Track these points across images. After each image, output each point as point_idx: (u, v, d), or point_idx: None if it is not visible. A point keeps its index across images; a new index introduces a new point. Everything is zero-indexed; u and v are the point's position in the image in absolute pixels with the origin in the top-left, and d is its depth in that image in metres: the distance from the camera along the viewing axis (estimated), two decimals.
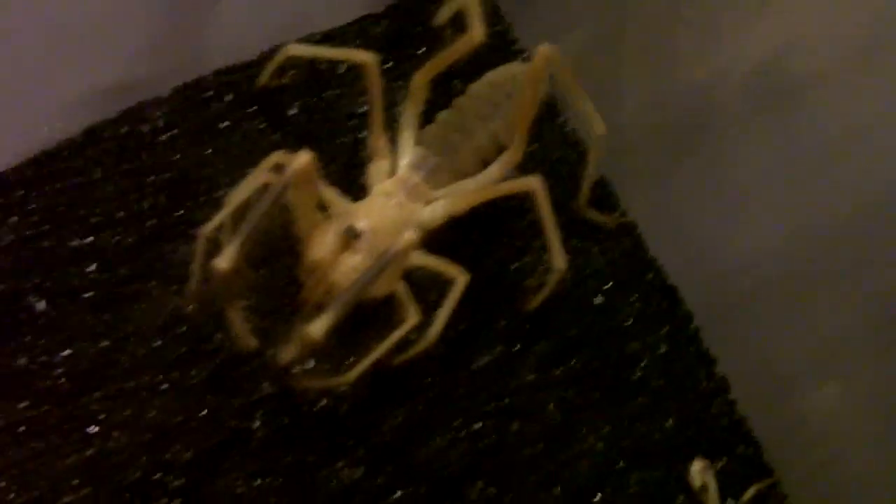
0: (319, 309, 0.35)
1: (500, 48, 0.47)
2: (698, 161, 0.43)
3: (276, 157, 0.39)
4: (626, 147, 0.45)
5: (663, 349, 0.43)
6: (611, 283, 0.45)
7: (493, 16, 0.48)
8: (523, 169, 0.42)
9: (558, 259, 0.41)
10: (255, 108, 0.45)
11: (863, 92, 0.36)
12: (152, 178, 0.43)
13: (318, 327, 0.34)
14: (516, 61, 0.44)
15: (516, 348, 0.43)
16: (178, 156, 0.44)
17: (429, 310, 0.39)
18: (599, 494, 0.40)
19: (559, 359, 0.43)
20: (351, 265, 0.38)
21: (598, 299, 0.44)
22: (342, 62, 0.44)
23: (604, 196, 0.47)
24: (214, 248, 0.37)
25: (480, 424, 0.41)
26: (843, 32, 0.37)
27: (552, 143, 0.47)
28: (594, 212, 0.46)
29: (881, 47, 0.35)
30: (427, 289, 0.40)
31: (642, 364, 0.43)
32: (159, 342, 0.40)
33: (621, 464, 0.41)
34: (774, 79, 0.39)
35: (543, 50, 0.39)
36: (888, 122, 0.36)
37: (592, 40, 0.46)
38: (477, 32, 0.38)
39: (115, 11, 0.42)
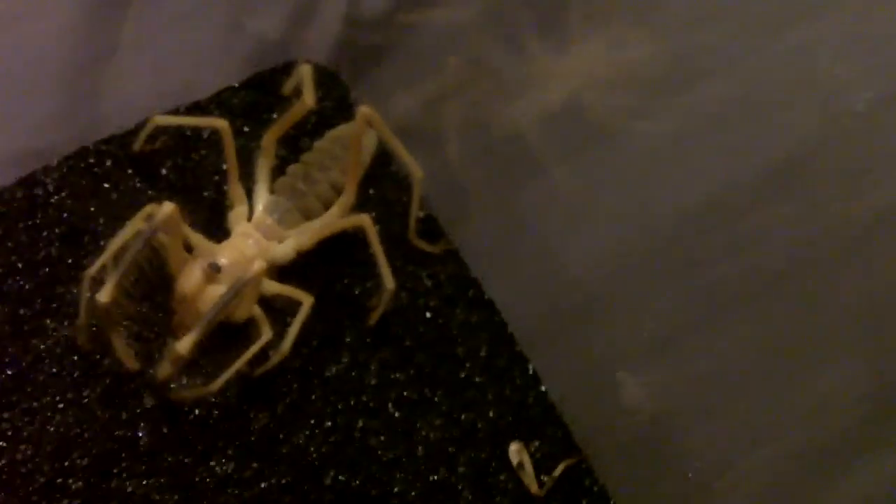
0: (187, 330, 0.42)
1: (342, 109, 0.54)
2: (514, 194, 0.50)
3: (148, 208, 0.45)
4: (450, 184, 0.52)
5: (484, 352, 0.50)
6: (438, 300, 0.51)
7: (335, 83, 0.55)
8: (363, 208, 0.50)
9: (388, 280, 0.48)
10: (131, 170, 0.50)
11: (658, 117, 0.42)
12: (46, 232, 0.48)
13: (184, 344, 0.41)
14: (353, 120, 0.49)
15: (361, 358, 0.49)
16: (67, 213, 0.49)
17: (285, 329, 0.45)
18: (434, 476, 0.47)
19: (398, 364, 0.49)
20: (214, 295, 0.44)
21: (429, 314, 0.51)
22: (204, 128, 0.50)
23: (431, 228, 0.53)
24: (99, 287, 0.42)
25: (331, 423, 0.47)
26: (635, 71, 0.43)
27: (386, 186, 0.53)
28: (422, 242, 0.52)
29: (668, 80, 0.42)
30: (284, 313, 0.47)
31: (467, 365, 0.50)
32: (56, 369, 0.45)
33: (451, 449, 0.48)
34: (576, 114, 0.46)
35: (363, 109, 0.47)
36: (680, 143, 0.42)
37: (419, 98, 0.53)
38: (308, 99, 0.47)
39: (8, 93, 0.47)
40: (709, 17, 0.40)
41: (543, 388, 0.51)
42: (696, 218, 0.42)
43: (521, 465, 0.48)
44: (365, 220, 0.48)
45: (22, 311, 0.46)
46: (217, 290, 0.44)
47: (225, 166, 0.49)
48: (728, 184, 0.41)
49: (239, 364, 0.44)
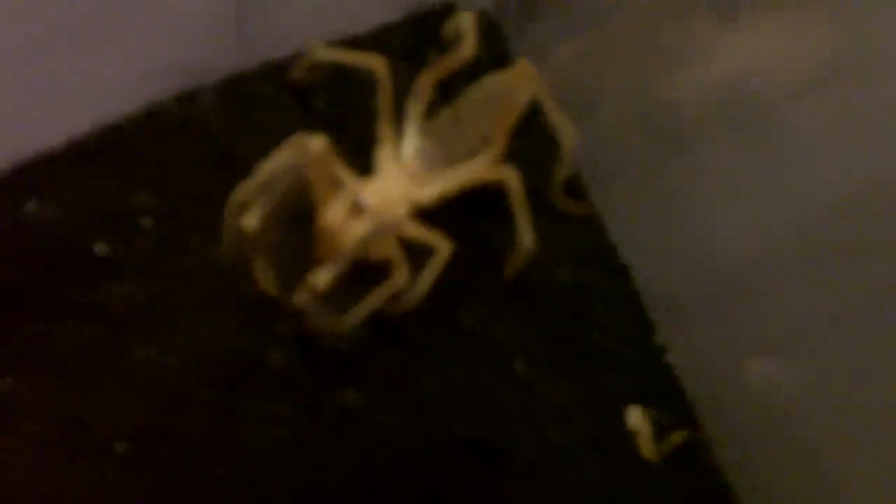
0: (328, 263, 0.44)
1: (499, 59, 0.55)
2: (664, 165, 0.51)
3: (298, 138, 0.45)
4: (599, 147, 0.53)
5: (614, 318, 0.52)
6: (574, 262, 0.53)
7: (495, 32, 0.57)
8: (509, 159, 0.50)
9: (527, 238, 0.49)
10: (285, 100, 0.53)
11: (823, 104, 0.43)
12: (198, 152, 0.51)
13: (321, 276, 0.44)
14: (507, 70, 0.51)
15: (493, 310, 0.51)
16: (219, 136, 0.51)
17: (420, 273, 0.47)
18: (552, 435, 0.50)
19: (527, 320, 0.51)
20: (355, 232, 0.46)
21: (563, 275, 0.53)
22: (360, 65, 0.50)
23: (574, 188, 0.54)
24: (245, 212, 0.45)
25: (457, 371, 0.49)
26: (804, 53, 0.43)
27: (534, 142, 0.53)
28: (566, 201, 0.53)
29: (838, 68, 0.42)
30: (422, 256, 0.48)
31: (595, 330, 0.52)
32: (197, 286, 0.48)
33: (572, 409, 0.50)
34: (741, 94, 0.46)
35: (522, 63, 0.49)
36: (846, 132, 0.42)
37: (578, 54, 0.54)
38: (468, 48, 0.49)
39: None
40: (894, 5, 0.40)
41: (669, 361, 0.52)
42: (851, 210, 0.43)
43: (637, 430, 0.51)
44: (512, 174, 0.49)
45: (168, 227, 0.49)
46: (359, 227, 0.46)
47: (378, 104, 0.50)
48: (889, 179, 0.41)
49: (373, 303, 0.46)
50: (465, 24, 0.50)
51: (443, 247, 0.48)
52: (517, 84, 0.49)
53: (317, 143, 0.44)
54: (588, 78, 0.54)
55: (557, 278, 0.53)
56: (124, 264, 0.48)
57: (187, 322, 0.48)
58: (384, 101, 0.49)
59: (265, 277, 0.47)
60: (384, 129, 0.50)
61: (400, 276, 0.47)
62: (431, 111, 0.51)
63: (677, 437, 0.52)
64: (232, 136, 0.52)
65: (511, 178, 0.49)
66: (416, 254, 0.48)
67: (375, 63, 0.49)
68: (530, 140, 0.54)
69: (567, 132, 0.51)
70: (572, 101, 0.50)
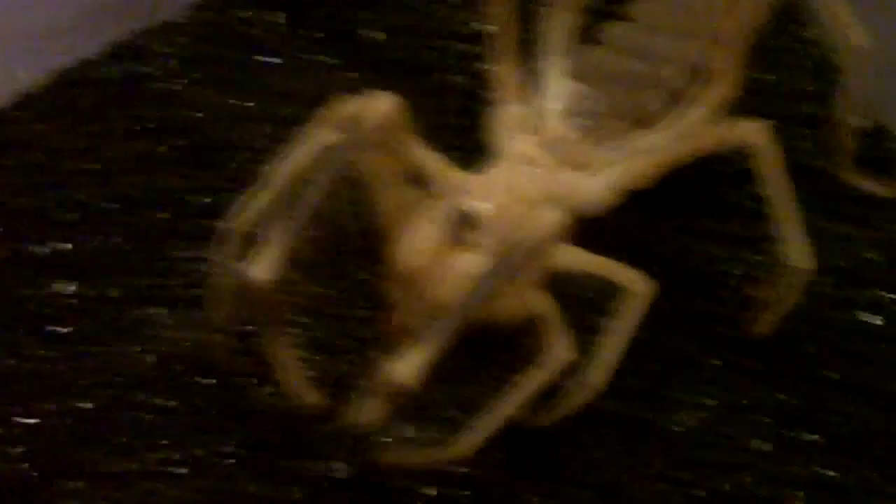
0: (412, 338, 0.37)
1: None
2: None
3: (342, 104, 0.40)
4: None
5: None
6: (894, 293, 0.46)
7: None
8: (739, 111, 0.44)
9: (800, 254, 0.41)
10: (308, 28, 0.49)
11: None
12: (164, 148, 0.47)
13: (406, 366, 0.35)
14: None
15: (740, 401, 0.44)
16: (195, 109, 0.48)
17: (589, 339, 0.40)
18: None
19: (807, 417, 0.43)
20: (465, 270, 0.38)
21: (874, 318, 0.45)
22: None
23: (882, 152, 0.48)
24: (247, 249, 0.38)
25: None
26: None
27: (790, 69, 0.50)
28: (863, 176, 0.47)
29: None
30: (587, 307, 0.41)
31: None
32: (173, 401, 0.42)
33: None
34: None
35: None
36: None
37: None
38: None
39: None
40: None
41: None
42: None
43: None
44: (758, 133, 0.41)
45: (109, 293, 0.44)
46: (470, 262, 0.39)
47: (484, 26, 0.44)
48: None
49: (511, 408, 0.38)
50: None
51: (638, 286, 0.40)
52: None
53: (381, 107, 0.39)
54: None
55: (862, 326, 0.46)
56: None
57: (153, 475, 0.42)
58: (503, 14, 0.44)
59: (295, 375, 0.40)
60: (506, 73, 0.44)
61: (560, 350, 0.39)
62: (592, 34, 0.46)
63: None
64: (208, 109, 0.49)
65: (760, 139, 0.42)
66: (571, 304, 0.41)
67: None
68: (780, 67, 0.51)
69: (856, 39, 0.45)
70: None
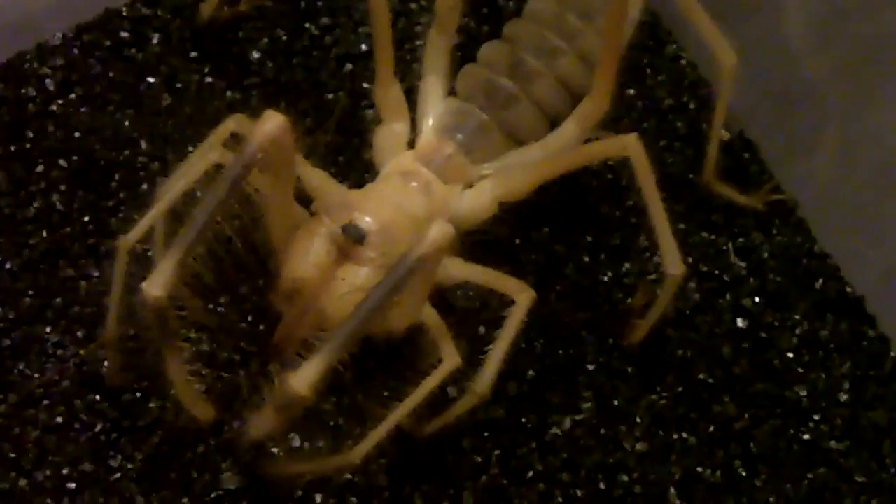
0: (304, 352, 0.37)
1: None
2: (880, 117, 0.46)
3: (231, 122, 0.41)
4: (779, 92, 0.49)
5: (845, 391, 0.45)
6: (759, 297, 0.47)
7: None
8: (616, 126, 0.46)
9: (671, 259, 0.42)
10: (196, 53, 0.49)
11: None
12: (41, 167, 0.46)
13: (302, 378, 0.35)
14: None
15: (616, 403, 0.45)
16: (80, 130, 0.47)
17: (474, 349, 0.40)
18: None
19: (679, 417, 0.45)
20: (352, 284, 0.39)
21: (741, 321, 0.46)
22: None
23: (743, 163, 0.50)
24: (141, 266, 0.39)
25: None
26: None
27: (659, 85, 0.50)
28: (727, 187, 0.48)
29: None
30: (471, 317, 0.43)
31: (815, 422, 0.45)
32: (61, 417, 0.42)
33: None
34: None
35: None
36: None
37: None
38: None
39: None
40: None
41: None
42: None
43: None
44: (630, 145, 0.42)
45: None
46: (356, 275, 0.40)
47: (366, 48, 0.48)
48: None
49: (399, 417, 0.39)
50: None
51: (517, 296, 0.41)
52: None
53: (268, 126, 0.38)
54: None
55: (731, 330, 0.47)
56: None
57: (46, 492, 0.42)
58: (382, 37, 0.44)
59: (189, 389, 0.39)
60: (386, 91, 0.45)
61: (447, 358, 0.40)
62: (469, 51, 0.47)
63: None
64: (96, 131, 0.48)
65: (631, 151, 0.42)
66: (457, 315, 0.43)
67: None
68: (646, 83, 0.51)
69: (722, 55, 0.45)
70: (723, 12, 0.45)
